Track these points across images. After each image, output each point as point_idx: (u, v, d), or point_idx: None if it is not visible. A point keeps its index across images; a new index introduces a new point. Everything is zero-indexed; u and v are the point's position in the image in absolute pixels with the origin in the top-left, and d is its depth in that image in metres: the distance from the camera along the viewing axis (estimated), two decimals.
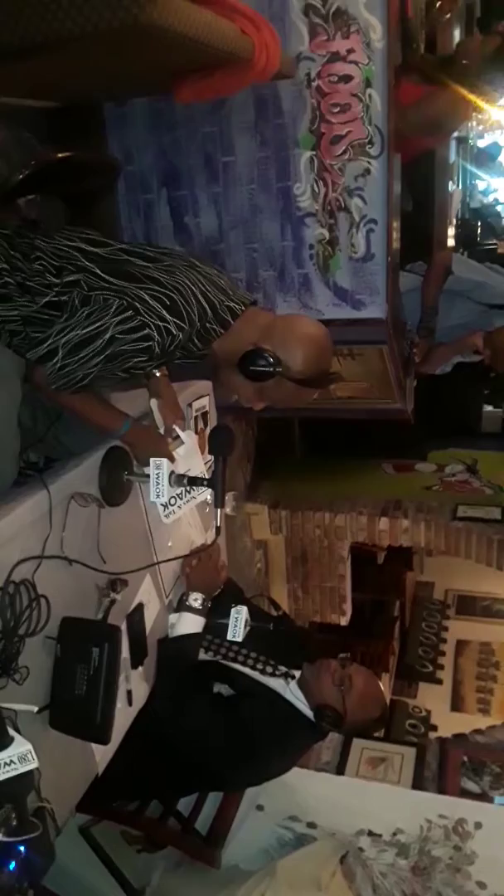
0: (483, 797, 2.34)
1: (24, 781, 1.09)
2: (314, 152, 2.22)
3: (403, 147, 2.30)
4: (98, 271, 1.37)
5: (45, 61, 1.58)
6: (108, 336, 1.31)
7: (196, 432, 1.98)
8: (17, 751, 1.06)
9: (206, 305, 1.40)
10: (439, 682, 5.22)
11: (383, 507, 3.76)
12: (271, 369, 1.38)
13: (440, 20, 2.99)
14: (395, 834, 2.11)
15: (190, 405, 1.96)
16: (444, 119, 2.52)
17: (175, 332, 1.33)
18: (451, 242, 3.14)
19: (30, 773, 1.09)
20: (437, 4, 2.78)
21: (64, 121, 2.15)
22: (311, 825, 2.17)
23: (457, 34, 3.40)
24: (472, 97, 2.38)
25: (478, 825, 2.12)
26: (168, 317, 1.32)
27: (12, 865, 1.08)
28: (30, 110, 2.08)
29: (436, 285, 2.72)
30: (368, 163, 2.19)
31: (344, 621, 4.24)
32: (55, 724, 1.33)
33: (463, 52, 2.48)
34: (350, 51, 2.12)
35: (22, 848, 1.08)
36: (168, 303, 1.32)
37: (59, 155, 1.57)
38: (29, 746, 1.07)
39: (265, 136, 2.24)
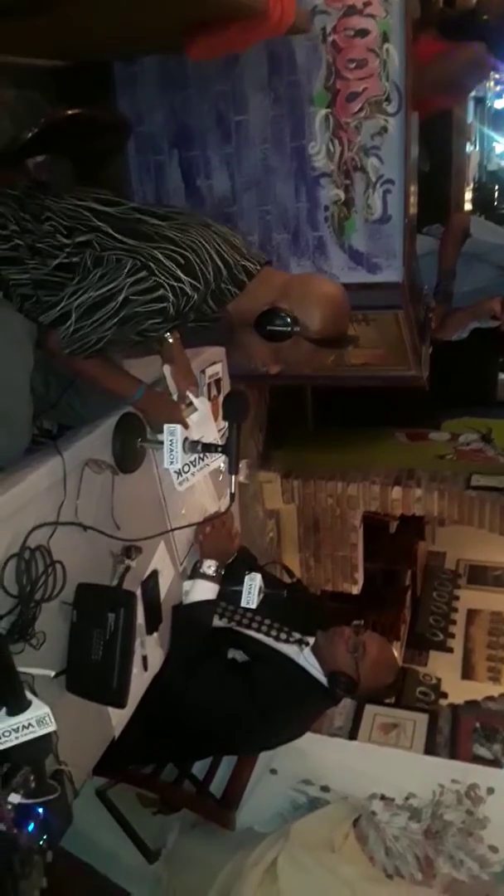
0: (495, 763, 2.36)
1: (43, 744, 1.10)
2: (329, 110, 2.15)
3: (419, 105, 2.23)
4: (110, 231, 1.34)
5: (54, 18, 1.53)
6: (121, 297, 1.28)
7: (209, 399, 1.96)
8: (36, 714, 1.07)
9: (221, 264, 1.36)
10: (450, 650, 5.26)
11: (396, 477, 3.74)
12: (289, 329, 1.36)
13: None
14: (407, 798, 2.13)
15: (203, 372, 1.94)
16: (462, 77, 2.43)
17: (190, 293, 1.30)
18: (468, 206, 3.07)
19: (48, 735, 1.10)
20: None
21: (73, 80, 2.10)
22: (325, 789, 2.19)
23: None
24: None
25: (490, 790, 2.14)
26: (183, 276, 1.29)
27: (31, 826, 1.10)
28: (38, 70, 2.03)
29: (454, 248, 2.66)
30: (385, 120, 2.12)
31: (356, 590, 4.25)
32: (72, 688, 1.34)
33: (485, 7, 2.39)
34: (366, 4, 2.04)
35: (40, 810, 1.10)
36: (182, 262, 1.29)
37: (69, 112, 1.53)
38: (47, 709, 1.07)
39: (279, 94, 2.17)
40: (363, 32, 2.07)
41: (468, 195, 3.28)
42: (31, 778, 1.10)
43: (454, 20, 2.36)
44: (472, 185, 3.67)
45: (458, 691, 4.66)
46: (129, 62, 2.24)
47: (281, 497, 3.94)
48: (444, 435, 4.01)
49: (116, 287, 1.28)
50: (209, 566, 1.85)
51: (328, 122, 2.16)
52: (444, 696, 4.71)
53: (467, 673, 5.03)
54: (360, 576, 4.24)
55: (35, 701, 1.09)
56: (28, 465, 1.33)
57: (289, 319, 1.35)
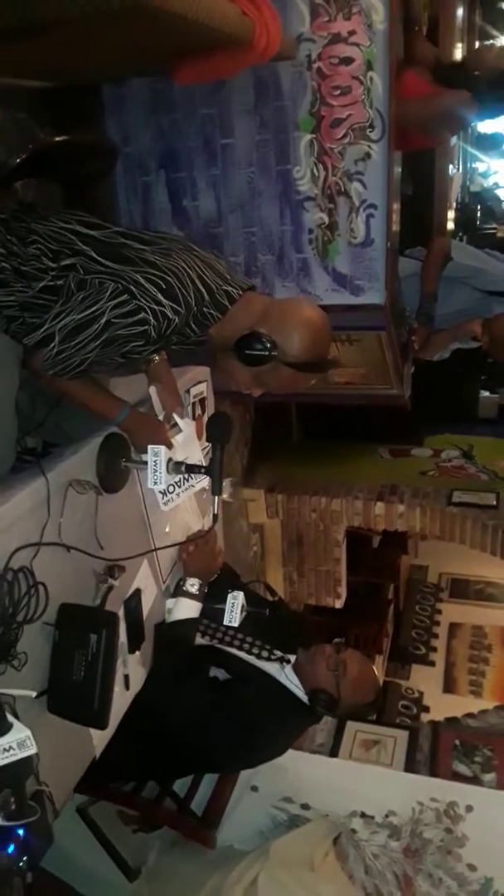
0: (474, 780, 2.38)
1: (24, 766, 1.10)
2: (314, 135, 2.19)
3: (403, 140, 2.29)
4: (94, 254, 1.35)
5: (43, 42, 1.55)
6: (104, 320, 1.30)
7: (194, 418, 1.98)
8: (17, 737, 1.07)
9: (203, 289, 1.38)
10: (432, 664, 5.28)
11: (379, 492, 3.77)
12: (267, 353, 1.38)
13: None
14: (387, 816, 2.14)
15: (188, 391, 1.96)
16: (444, 119, 2.52)
17: (171, 316, 1.32)
18: (450, 226, 3.13)
19: (29, 758, 1.10)
20: None
21: (61, 101, 2.12)
22: (305, 806, 2.20)
23: (459, 12, 3.36)
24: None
25: (469, 808, 2.16)
26: (164, 300, 1.31)
27: (11, 848, 1.09)
28: (27, 90, 2.04)
29: (435, 272, 2.71)
30: (369, 147, 2.16)
31: (339, 604, 4.27)
32: (53, 709, 1.34)
33: (475, 62, 2.47)
34: (351, 32, 2.08)
35: (21, 831, 1.09)
36: (164, 286, 1.31)
37: (56, 139, 1.55)
38: (27, 732, 1.08)
39: (265, 119, 2.21)
40: (348, 60, 2.12)
41: (451, 215, 3.34)
42: (12, 800, 1.10)
43: (448, 67, 2.44)
44: (455, 206, 3.73)
45: (440, 705, 4.68)
46: (118, 84, 2.27)
47: (265, 511, 3.96)
48: (427, 451, 4.06)
49: (99, 310, 1.30)
50: (192, 584, 1.86)
51: (313, 147, 2.20)
52: (426, 709, 4.73)
53: (449, 687, 5.06)
54: (342, 590, 4.26)
55: (16, 724, 1.09)
56: (12, 485, 1.34)
57: (267, 344, 1.37)
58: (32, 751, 1.08)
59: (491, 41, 4.44)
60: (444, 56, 2.71)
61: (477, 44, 4.14)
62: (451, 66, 2.49)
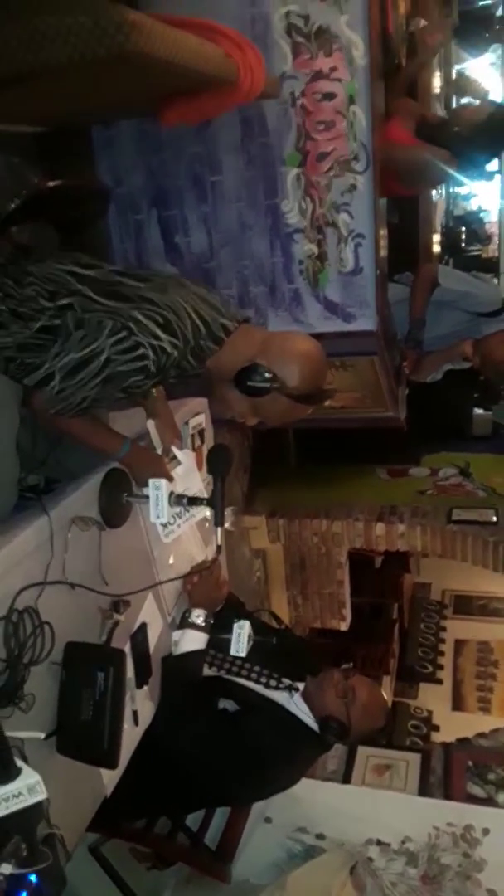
0: (489, 801, 2.36)
1: (34, 812, 1.09)
2: (300, 169, 2.24)
3: (386, 185, 2.36)
4: (91, 293, 1.38)
5: (32, 89, 1.60)
6: (103, 357, 1.32)
7: (193, 449, 1.99)
8: (26, 782, 1.06)
9: (200, 323, 1.40)
10: (440, 682, 5.24)
11: (379, 513, 3.78)
12: (268, 385, 1.40)
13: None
14: (403, 842, 2.12)
15: (186, 423, 1.98)
16: (423, 175, 2.62)
17: (170, 350, 1.34)
18: (437, 249, 3.18)
19: (39, 803, 1.09)
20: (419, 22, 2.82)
21: (53, 144, 2.16)
22: (320, 836, 2.17)
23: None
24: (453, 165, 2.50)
25: (485, 831, 2.13)
26: (162, 335, 1.33)
27: (24, 895, 1.08)
28: (18, 135, 2.09)
29: (422, 298, 2.75)
30: (354, 178, 2.21)
31: (344, 626, 4.24)
32: (62, 750, 1.34)
33: (456, 119, 2.58)
34: (333, 69, 2.14)
35: (33, 878, 1.08)
36: (162, 321, 1.33)
37: (50, 184, 1.58)
38: (37, 777, 1.07)
39: (252, 155, 2.26)
40: (330, 96, 2.17)
41: (436, 238, 3.40)
42: (23, 847, 1.09)
43: (431, 124, 2.53)
44: (439, 231, 3.80)
45: (450, 723, 4.64)
46: (107, 126, 2.32)
47: (267, 536, 3.96)
48: (424, 470, 4.07)
49: (98, 348, 1.32)
50: (198, 615, 1.86)
51: (300, 181, 2.25)
52: (436, 728, 4.68)
53: (458, 704, 5.01)
54: (347, 612, 4.24)
55: (25, 768, 1.08)
56: (15, 525, 1.35)
57: (267, 375, 1.39)
58: (42, 796, 1.07)
59: (469, 100, 4.58)
60: (429, 114, 2.80)
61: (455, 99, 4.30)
62: (434, 124, 2.58)
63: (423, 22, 2.79)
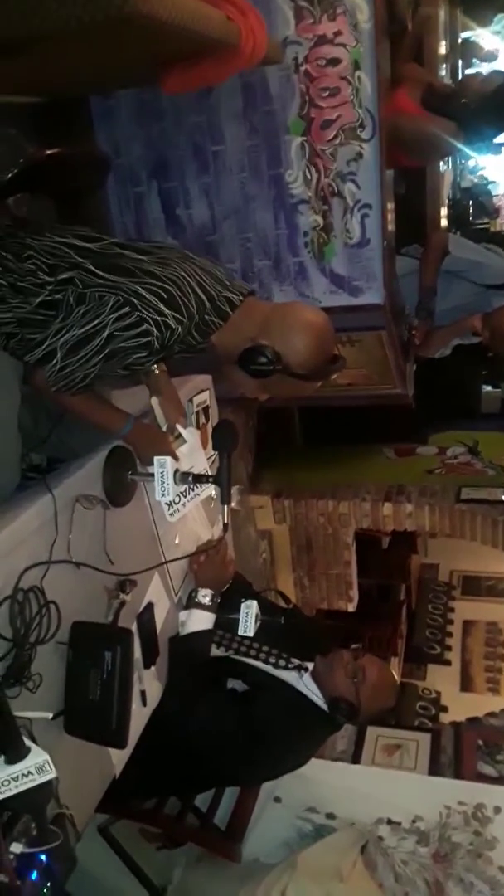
0: (500, 780, 2.35)
1: (43, 791, 1.08)
2: (305, 138, 2.18)
3: (393, 157, 2.30)
4: (92, 267, 1.34)
5: (30, 57, 1.55)
6: (106, 334, 1.28)
7: (198, 427, 1.96)
8: (35, 761, 1.05)
9: (204, 297, 1.37)
10: (448, 663, 5.25)
11: (386, 493, 3.75)
12: (271, 367, 1.36)
13: None
14: (414, 821, 2.11)
15: (190, 400, 1.94)
16: (429, 147, 2.56)
17: (174, 326, 1.31)
18: (444, 223, 3.11)
19: (48, 782, 1.08)
20: None
21: (50, 115, 2.11)
22: (330, 816, 2.17)
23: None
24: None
25: (497, 809, 2.12)
26: (166, 310, 1.29)
27: (34, 875, 1.07)
28: (15, 106, 2.03)
29: (433, 266, 2.70)
30: (360, 146, 2.15)
31: (351, 608, 4.24)
32: (70, 730, 1.32)
33: (464, 90, 2.50)
34: (337, 33, 2.08)
35: (43, 857, 1.07)
36: (165, 296, 1.30)
37: (48, 152, 1.54)
38: (46, 756, 1.05)
39: (254, 124, 2.20)
40: (335, 61, 2.11)
41: (444, 212, 3.33)
42: (33, 826, 1.08)
43: (439, 94, 2.46)
44: (447, 203, 3.73)
45: (458, 704, 4.65)
46: (106, 96, 2.26)
47: (273, 517, 3.94)
48: (432, 449, 4.04)
49: (100, 324, 1.28)
50: (204, 595, 1.84)
51: (304, 149, 2.19)
52: (445, 709, 4.70)
53: (466, 685, 5.02)
54: (354, 593, 4.23)
55: (34, 748, 1.07)
56: (19, 504, 1.32)
57: (270, 356, 1.35)
58: (52, 775, 1.06)
59: (476, 63, 4.49)
60: (437, 82, 2.72)
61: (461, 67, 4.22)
62: (442, 94, 2.51)
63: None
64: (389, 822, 2.11)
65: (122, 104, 2.26)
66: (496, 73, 2.58)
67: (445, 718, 4.54)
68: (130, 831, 2.08)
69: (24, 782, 1.04)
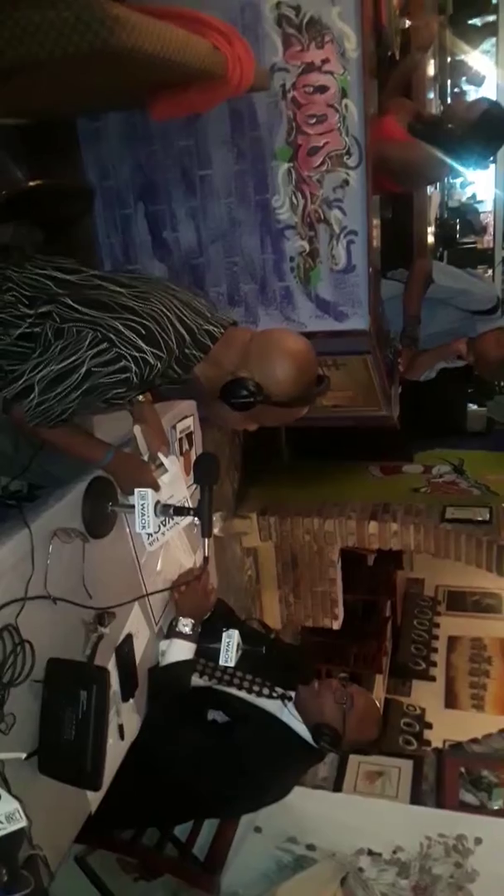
0: (481, 809, 2.34)
1: (14, 839, 1.07)
2: (292, 164, 2.18)
3: (379, 183, 2.31)
4: (70, 301, 1.32)
5: (15, 83, 1.54)
6: (83, 370, 1.27)
7: (181, 453, 1.95)
8: (5, 810, 1.04)
9: (184, 331, 1.36)
10: (432, 679, 5.24)
11: (372, 511, 3.74)
12: (253, 399, 1.35)
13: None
14: (395, 852, 2.09)
15: (174, 426, 1.93)
16: (414, 173, 2.58)
17: (153, 362, 1.30)
18: (430, 240, 3.13)
19: (20, 830, 1.06)
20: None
21: (37, 136, 2.10)
22: (311, 847, 2.14)
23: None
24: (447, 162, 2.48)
25: (478, 840, 2.11)
26: (144, 346, 1.28)
27: None
28: (3, 129, 2.02)
29: (417, 295, 2.71)
30: (347, 174, 2.15)
31: (336, 625, 4.23)
32: (45, 770, 1.30)
33: (449, 116, 2.53)
34: (325, 61, 2.08)
35: None
36: (144, 332, 1.28)
37: (31, 184, 1.52)
38: (16, 805, 1.04)
39: (242, 149, 2.20)
40: (322, 88, 2.11)
41: (430, 229, 3.36)
42: (4, 872, 1.07)
43: (425, 123, 2.49)
44: (434, 223, 3.75)
45: (443, 721, 4.64)
46: (93, 118, 2.25)
47: (258, 535, 3.92)
48: (418, 467, 4.04)
49: (78, 360, 1.27)
50: (185, 625, 1.82)
51: (291, 175, 2.19)
52: (429, 726, 4.68)
53: (451, 702, 5.01)
54: (339, 610, 4.22)
55: (4, 795, 1.06)
56: None
57: (252, 388, 1.34)
58: (22, 824, 1.05)
59: (464, 81, 4.54)
60: (424, 111, 2.75)
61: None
62: (428, 121, 2.53)
63: (408, 22, 2.74)
64: (370, 852, 2.09)
65: (109, 126, 2.24)
66: (481, 100, 2.60)
67: (430, 735, 4.53)
68: (108, 861, 2.05)
69: None
